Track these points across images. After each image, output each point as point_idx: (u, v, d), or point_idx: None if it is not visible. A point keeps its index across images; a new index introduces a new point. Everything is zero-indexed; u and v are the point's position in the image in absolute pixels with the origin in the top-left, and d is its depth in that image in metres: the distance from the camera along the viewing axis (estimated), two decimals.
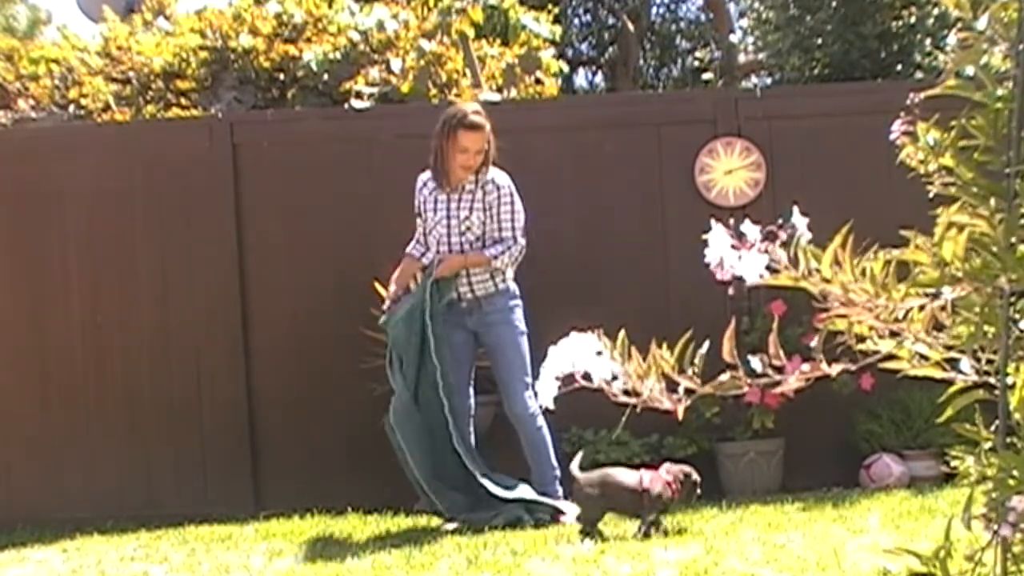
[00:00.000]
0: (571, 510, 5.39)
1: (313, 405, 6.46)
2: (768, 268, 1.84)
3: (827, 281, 1.79)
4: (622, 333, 1.88)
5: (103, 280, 6.55)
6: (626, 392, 1.86)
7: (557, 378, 1.86)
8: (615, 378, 1.84)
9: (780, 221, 1.98)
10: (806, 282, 1.81)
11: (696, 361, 1.85)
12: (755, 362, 1.86)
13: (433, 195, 5.64)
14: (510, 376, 5.57)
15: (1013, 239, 1.77)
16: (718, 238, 1.85)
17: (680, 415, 1.89)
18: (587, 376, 1.84)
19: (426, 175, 5.68)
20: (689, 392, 1.85)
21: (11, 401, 6.54)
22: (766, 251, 1.83)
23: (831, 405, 5.81)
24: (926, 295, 1.81)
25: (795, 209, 1.96)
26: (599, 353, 1.84)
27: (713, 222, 1.90)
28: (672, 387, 1.87)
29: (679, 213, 6.35)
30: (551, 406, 1.90)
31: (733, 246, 1.84)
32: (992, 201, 1.82)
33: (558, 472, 5.56)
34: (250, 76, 8.14)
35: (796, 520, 5.03)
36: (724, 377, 1.87)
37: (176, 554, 5.10)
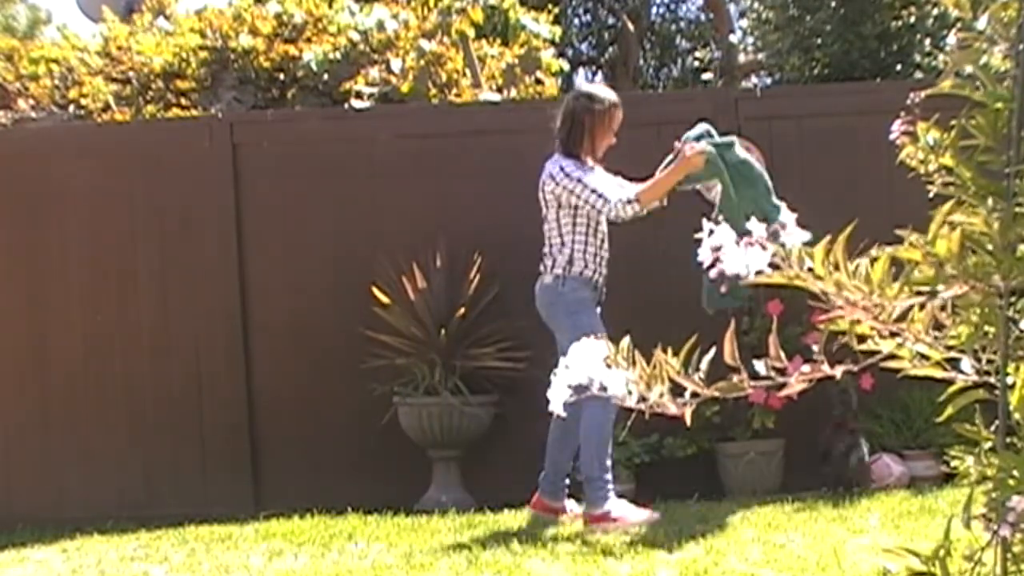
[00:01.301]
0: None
1: (313, 405, 6.46)
2: (770, 266, 1.83)
3: (820, 279, 1.79)
4: (627, 339, 1.87)
5: (103, 280, 6.55)
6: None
7: (569, 387, 1.85)
8: (631, 392, 1.84)
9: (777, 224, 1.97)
10: (800, 281, 1.81)
11: (701, 366, 1.85)
12: (758, 366, 1.86)
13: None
14: None
15: (1012, 237, 1.77)
16: (708, 236, 1.85)
17: (688, 420, 1.89)
18: (603, 388, 1.84)
19: (569, 160, 5.38)
20: (695, 396, 1.85)
21: (11, 401, 6.54)
22: (753, 247, 1.82)
23: (831, 405, 5.81)
24: (920, 293, 1.81)
25: (782, 206, 1.95)
26: (608, 364, 1.83)
27: (704, 221, 1.90)
28: (676, 391, 1.86)
29: (679, 213, 6.34)
30: (563, 414, 1.90)
31: (716, 246, 1.84)
32: (990, 200, 1.82)
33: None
34: (250, 76, 8.14)
35: (796, 520, 5.03)
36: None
37: (176, 554, 5.09)
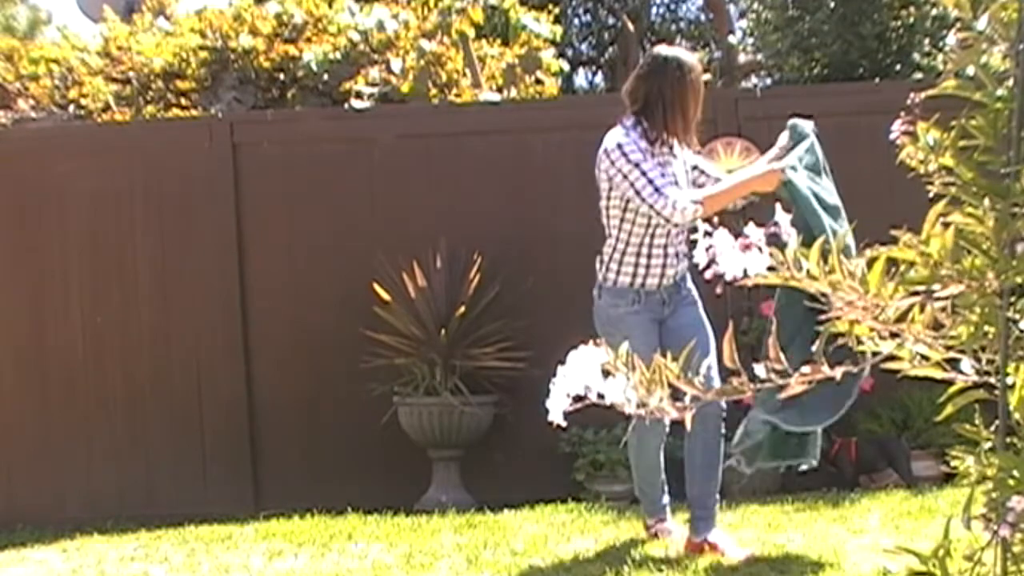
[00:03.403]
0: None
1: (313, 405, 6.46)
2: (769, 268, 1.83)
3: (814, 278, 1.79)
4: (626, 344, 1.86)
5: (103, 280, 6.55)
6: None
7: (568, 395, 1.84)
8: (628, 399, 1.83)
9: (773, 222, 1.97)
10: (795, 282, 1.81)
11: (701, 370, 1.85)
12: (758, 369, 1.86)
13: (656, 158, 4.35)
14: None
15: (1007, 237, 1.77)
16: (703, 238, 1.85)
17: (688, 424, 1.89)
18: (601, 395, 1.82)
19: (625, 134, 4.35)
20: (695, 399, 1.85)
21: (11, 401, 6.54)
22: (747, 249, 1.82)
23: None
24: (916, 293, 1.81)
25: (778, 207, 1.95)
26: (606, 372, 1.82)
27: (700, 223, 1.91)
28: (677, 394, 1.86)
29: None
30: (563, 423, 1.87)
31: (709, 246, 1.84)
32: (986, 200, 1.82)
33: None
34: (250, 76, 8.14)
35: (796, 520, 5.03)
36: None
37: (176, 554, 5.09)
